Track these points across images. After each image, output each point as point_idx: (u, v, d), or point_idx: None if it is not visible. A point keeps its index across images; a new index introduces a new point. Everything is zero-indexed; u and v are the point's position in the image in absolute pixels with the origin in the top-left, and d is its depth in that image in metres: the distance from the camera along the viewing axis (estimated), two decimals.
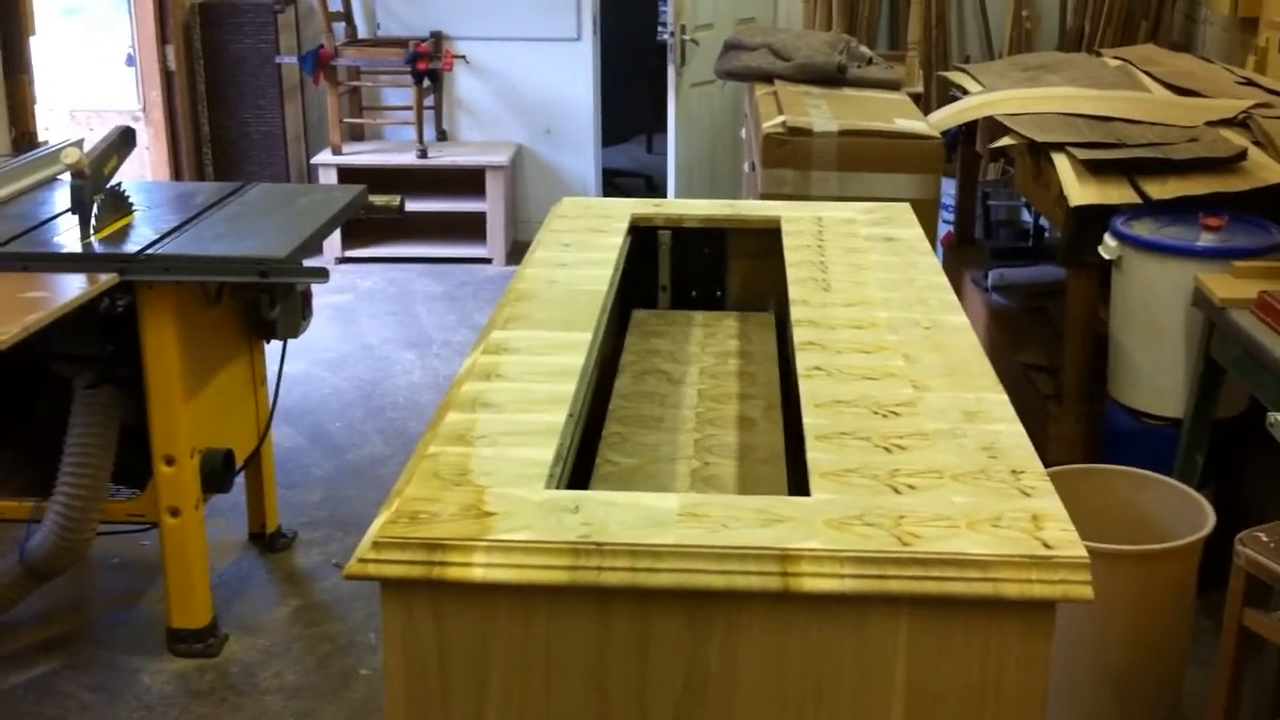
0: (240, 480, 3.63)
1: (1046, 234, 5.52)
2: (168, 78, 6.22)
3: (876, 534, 1.38)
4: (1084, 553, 1.35)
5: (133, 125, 3.79)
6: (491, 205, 6.52)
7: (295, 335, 3.61)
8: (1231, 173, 3.79)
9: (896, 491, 1.48)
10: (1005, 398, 1.74)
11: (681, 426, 2.09)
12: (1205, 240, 3.58)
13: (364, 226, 6.39)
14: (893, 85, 4.42)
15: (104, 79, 6.27)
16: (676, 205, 2.77)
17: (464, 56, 6.69)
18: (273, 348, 3.71)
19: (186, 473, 3.22)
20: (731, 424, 2.11)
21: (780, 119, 3.64)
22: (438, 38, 6.62)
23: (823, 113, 3.74)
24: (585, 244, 2.43)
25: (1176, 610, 2.96)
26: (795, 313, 2.07)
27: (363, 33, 6.73)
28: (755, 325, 2.61)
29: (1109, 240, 3.70)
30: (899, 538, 1.37)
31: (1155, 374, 3.67)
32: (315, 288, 3.63)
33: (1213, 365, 3.38)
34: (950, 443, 1.60)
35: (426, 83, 6.44)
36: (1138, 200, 3.75)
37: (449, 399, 1.74)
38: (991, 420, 1.67)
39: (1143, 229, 3.67)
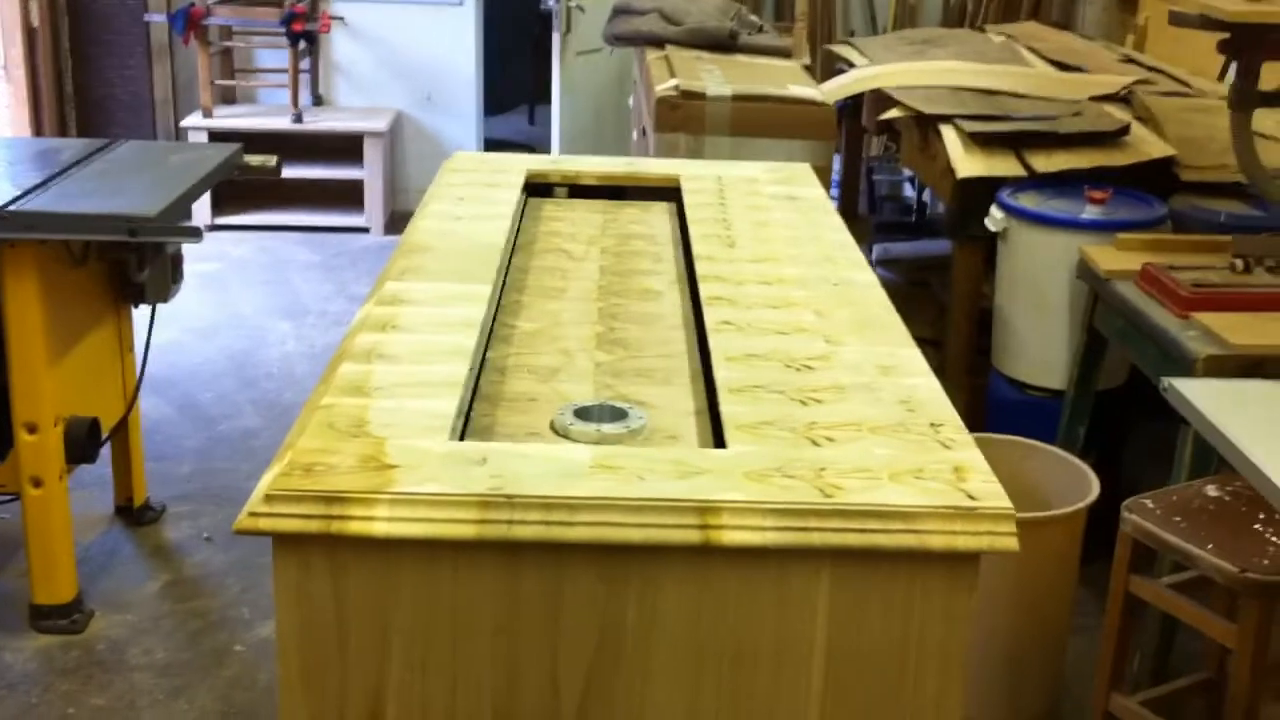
0: (106, 451, 3.47)
1: (929, 209, 5.57)
2: (30, 34, 5.93)
3: (798, 485, 1.33)
4: (1008, 504, 1.32)
5: None
6: (369, 173, 6.36)
7: (165, 299, 3.47)
8: (1115, 147, 3.85)
9: (815, 444, 1.43)
10: (919, 352, 1.71)
11: (585, 296, 2.03)
12: (1090, 213, 3.62)
13: (236, 193, 6.19)
14: (784, 53, 4.39)
15: None
16: (572, 161, 2.69)
17: (342, 18, 6.51)
18: (140, 314, 3.55)
19: (50, 441, 3.08)
20: (636, 295, 2.05)
21: (673, 82, 3.59)
22: None
23: (716, 77, 3.69)
24: (480, 198, 2.34)
25: (1061, 577, 2.98)
26: (700, 268, 2.01)
27: None
28: (656, 213, 2.56)
29: (995, 212, 3.72)
30: (821, 489, 1.32)
31: (1039, 346, 3.71)
32: (185, 254, 3.50)
33: (1096, 336, 3.42)
34: (867, 396, 1.56)
35: (302, 44, 6.24)
36: (1023, 173, 3.79)
37: (342, 350, 1.65)
38: (907, 374, 1.63)
39: (1028, 201, 3.70)
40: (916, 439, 1.45)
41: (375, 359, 1.61)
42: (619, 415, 1.56)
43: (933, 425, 1.48)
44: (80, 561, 3.31)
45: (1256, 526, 2.54)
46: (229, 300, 5.49)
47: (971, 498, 1.32)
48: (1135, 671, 2.95)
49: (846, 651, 1.34)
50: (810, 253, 2.11)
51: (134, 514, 3.72)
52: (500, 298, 2.00)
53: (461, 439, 1.51)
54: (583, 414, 1.56)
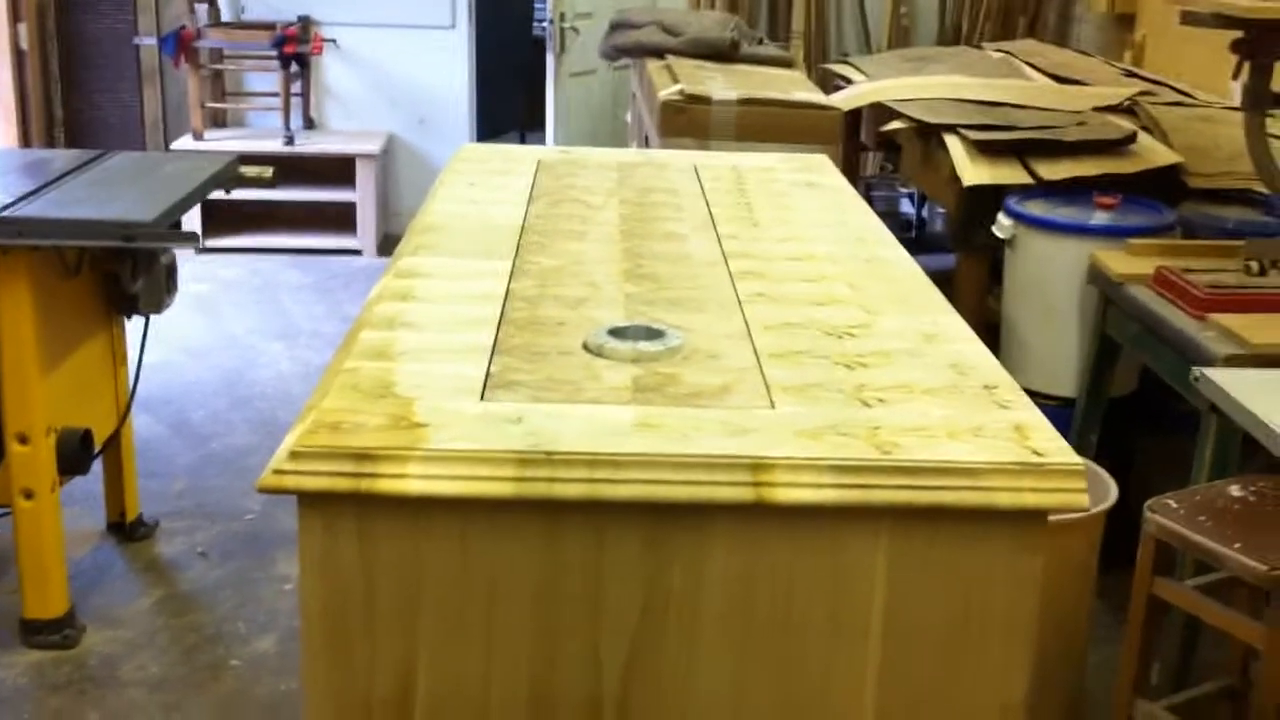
0: (97, 468, 3.38)
1: (927, 225, 5.54)
2: (19, 57, 5.88)
3: (853, 443, 1.26)
4: (1078, 460, 1.25)
5: None
6: (362, 195, 6.29)
7: (159, 310, 3.39)
8: (1121, 155, 3.81)
9: (866, 405, 1.36)
10: (962, 321, 1.64)
11: (608, 239, 1.95)
12: (1100, 219, 3.58)
13: (227, 216, 6.12)
14: (785, 63, 4.36)
15: None
16: (585, 152, 2.63)
17: (334, 41, 6.46)
18: (133, 328, 3.47)
19: (42, 452, 2.99)
20: (660, 238, 1.98)
21: (678, 87, 3.54)
22: (305, 22, 6.38)
23: (719, 83, 3.65)
24: (492, 184, 2.28)
25: (1081, 582, 2.92)
26: (726, 246, 1.94)
27: (226, 16, 6.45)
28: (674, 171, 2.49)
29: (1003, 219, 3.68)
30: (878, 446, 1.25)
31: (1048, 354, 3.65)
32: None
33: (1108, 342, 3.37)
34: (914, 360, 1.49)
35: (294, 67, 6.19)
36: (1030, 181, 3.75)
37: (361, 320, 1.58)
38: (952, 340, 1.56)
39: (1036, 208, 3.66)
40: (972, 399, 1.38)
41: (399, 326, 1.53)
42: (655, 335, 1.49)
43: (986, 387, 1.42)
44: (72, 577, 3.22)
45: None
46: (221, 321, 5.41)
47: (1038, 454, 1.25)
48: (1156, 680, 2.88)
49: (906, 618, 1.26)
50: (838, 233, 2.05)
51: (126, 530, 3.62)
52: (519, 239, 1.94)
53: (489, 359, 1.44)
54: (618, 334, 1.49)
